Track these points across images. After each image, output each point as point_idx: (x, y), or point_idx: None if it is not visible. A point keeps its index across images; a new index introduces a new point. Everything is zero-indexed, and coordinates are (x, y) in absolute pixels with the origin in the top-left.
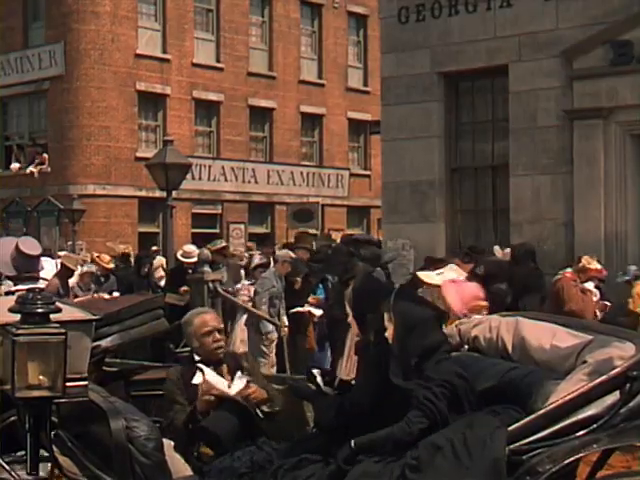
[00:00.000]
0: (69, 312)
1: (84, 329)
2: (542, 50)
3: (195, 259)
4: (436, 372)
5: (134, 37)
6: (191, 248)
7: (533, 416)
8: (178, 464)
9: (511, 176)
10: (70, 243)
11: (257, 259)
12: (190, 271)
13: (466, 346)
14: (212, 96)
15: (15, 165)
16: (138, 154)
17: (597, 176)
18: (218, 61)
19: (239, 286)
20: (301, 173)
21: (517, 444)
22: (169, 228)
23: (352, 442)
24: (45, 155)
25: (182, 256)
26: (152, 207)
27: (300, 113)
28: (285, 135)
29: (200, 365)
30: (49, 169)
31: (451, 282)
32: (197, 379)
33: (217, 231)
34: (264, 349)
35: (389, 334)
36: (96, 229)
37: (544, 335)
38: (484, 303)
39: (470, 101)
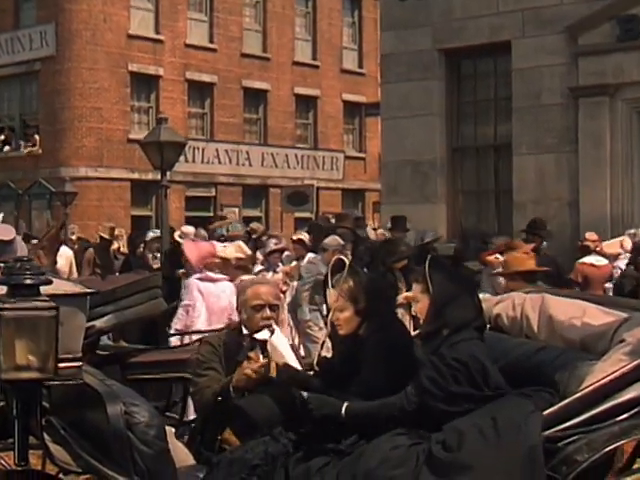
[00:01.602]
0: (61, 285)
1: (78, 304)
2: (546, 26)
3: None
4: (453, 351)
5: (126, 17)
6: (189, 229)
7: (568, 400)
8: (180, 453)
9: (514, 156)
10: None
11: (272, 244)
12: None
13: (488, 325)
14: (205, 77)
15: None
16: (131, 136)
17: (603, 155)
18: (211, 42)
19: (269, 274)
20: (295, 156)
21: (551, 430)
22: (164, 209)
23: (343, 409)
24: (37, 137)
25: (180, 237)
26: (145, 190)
27: (294, 95)
28: (279, 117)
29: (275, 327)
30: (40, 151)
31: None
32: (263, 334)
33: (211, 214)
34: (312, 333)
35: (420, 308)
36: (88, 212)
37: (573, 313)
38: (218, 260)
39: (472, 79)
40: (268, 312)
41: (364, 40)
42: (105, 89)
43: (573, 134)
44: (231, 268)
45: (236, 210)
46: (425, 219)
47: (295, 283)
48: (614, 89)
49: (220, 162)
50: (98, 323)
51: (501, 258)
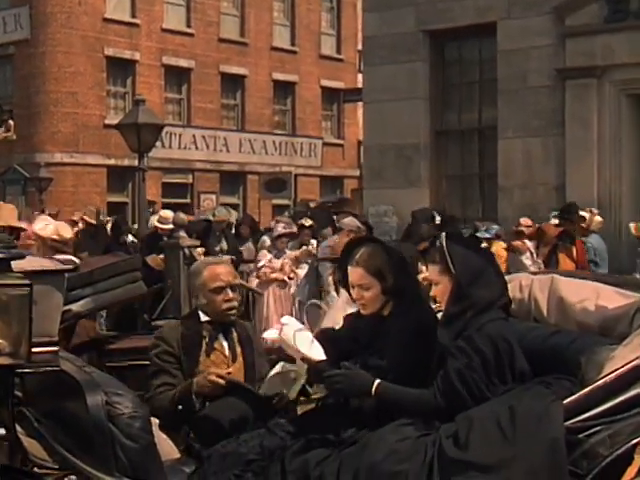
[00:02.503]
0: (36, 261)
1: (54, 282)
2: (533, 7)
3: (172, 225)
4: (481, 333)
5: (102, 1)
6: (168, 214)
7: (589, 388)
8: (165, 445)
9: (500, 139)
10: (37, 213)
11: (280, 228)
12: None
13: None
14: (182, 62)
15: None
16: (107, 121)
17: (590, 138)
18: (189, 26)
19: (279, 261)
20: (273, 142)
21: (572, 421)
22: (142, 192)
23: (374, 386)
24: (11, 122)
25: (159, 222)
26: (121, 176)
27: (272, 80)
28: (257, 103)
29: (287, 319)
30: (14, 136)
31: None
32: (271, 333)
33: (188, 201)
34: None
35: (439, 290)
36: (64, 198)
37: (586, 294)
38: (32, 242)
39: (457, 61)
40: (230, 293)
41: (343, 26)
42: (81, 73)
43: (560, 117)
44: (45, 248)
45: (213, 197)
46: (408, 204)
47: (304, 269)
48: (602, 71)
49: (197, 148)
50: (75, 307)
51: (529, 243)
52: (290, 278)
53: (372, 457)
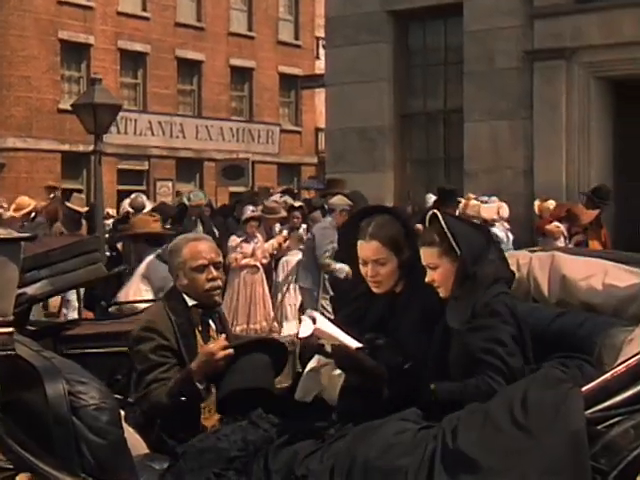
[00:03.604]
0: None
1: (9, 252)
2: None
3: (145, 210)
4: (494, 306)
5: None
6: (143, 198)
7: (610, 373)
8: (132, 440)
9: (466, 122)
10: None
11: (249, 211)
12: None
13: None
14: (138, 47)
15: None
16: (61, 106)
17: (559, 122)
18: (144, 10)
19: (249, 246)
20: (230, 128)
21: (591, 410)
22: (98, 176)
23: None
24: None
25: (130, 206)
26: (76, 162)
27: (229, 66)
28: (214, 89)
29: (313, 314)
30: None
31: None
32: (306, 329)
33: (144, 188)
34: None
35: (440, 273)
36: (17, 185)
37: (592, 272)
38: None
39: (422, 42)
40: (214, 272)
41: (300, 12)
42: (34, 57)
43: (528, 100)
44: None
45: (169, 184)
46: (373, 188)
47: (297, 257)
48: (571, 52)
49: (153, 134)
50: (30, 290)
51: (562, 227)
52: (262, 264)
53: (368, 453)
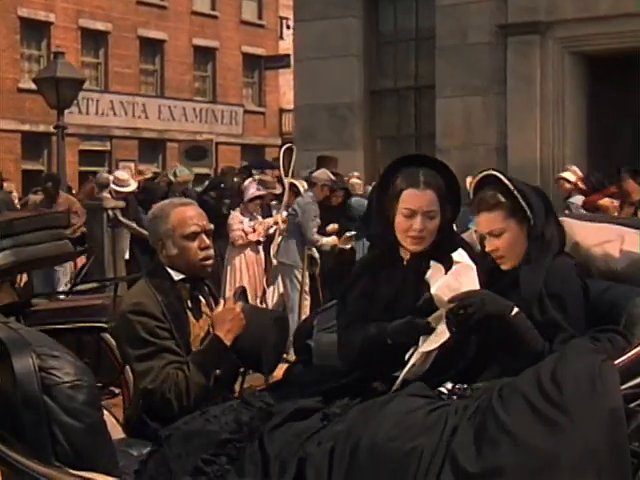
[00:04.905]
0: None
1: None
2: None
3: (131, 187)
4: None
5: None
6: (125, 175)
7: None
8: (109, 424)
9: (438, 98)
10: None
11: (253, 189)
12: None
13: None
14: (100, 25)
15: None
16: (21, 85)
17: (533, 97)
18: None
19: (248, 224)
20: (194, 109)
21: (623, 387)
22: (62, 153)
23: (514, 310)
24: None
25: (115, 184)
26: (37, 143)
27: (192, 46)
28: (177, 69)
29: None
30: None
31: None
32: (461, 254)
33: (106, 169)
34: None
35: (506, 239)
36: None
37: (608, 237)
38: None
39: (392, 16)
40: (206, 240)
41: None
42: None
43: (502, 75)
44: None
45: (132, 165)
46: (342, 166)
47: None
48: (545, 27)
49: (115, 114)
50: None
51: (616, 203)
52: (259, 242)
53: (375, 434)
